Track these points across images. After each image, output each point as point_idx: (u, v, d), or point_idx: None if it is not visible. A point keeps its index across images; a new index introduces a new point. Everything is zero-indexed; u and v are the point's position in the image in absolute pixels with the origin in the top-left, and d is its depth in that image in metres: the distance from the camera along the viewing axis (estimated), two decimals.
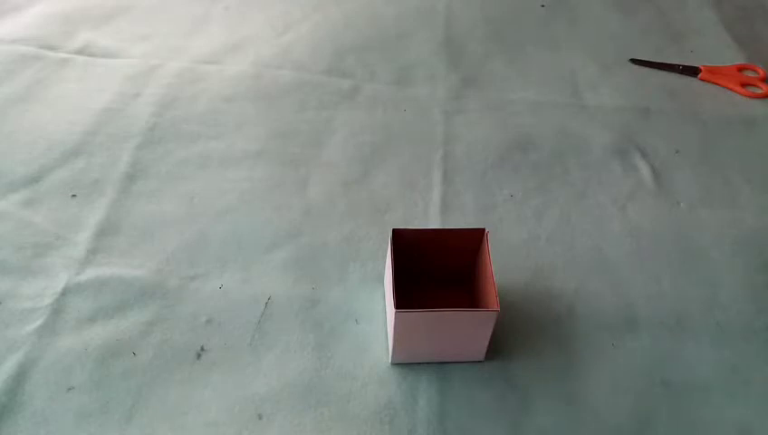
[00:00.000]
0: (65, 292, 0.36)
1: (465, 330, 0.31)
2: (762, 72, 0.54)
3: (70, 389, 0.32)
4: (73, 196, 0.41)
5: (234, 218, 0.40)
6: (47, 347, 0.33)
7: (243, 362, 0.33)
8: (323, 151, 0.45)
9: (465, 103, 0.50)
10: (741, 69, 0.54)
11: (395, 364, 0.33)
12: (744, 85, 0.53)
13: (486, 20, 0.59)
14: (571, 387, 0.33)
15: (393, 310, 0.30)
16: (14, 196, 0.41)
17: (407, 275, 0.33)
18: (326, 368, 0.33)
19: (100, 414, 0.31)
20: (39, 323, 0.34)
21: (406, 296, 0.31)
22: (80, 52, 0.52)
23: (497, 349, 0.34)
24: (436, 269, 0.35)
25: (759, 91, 0.52)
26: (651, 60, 0.55)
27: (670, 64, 0.55)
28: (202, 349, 0.34)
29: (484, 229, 0.33)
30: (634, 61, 0.55)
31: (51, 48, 0.52)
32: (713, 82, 0.53)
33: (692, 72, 0.54)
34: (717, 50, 0.56)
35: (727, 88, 0.53)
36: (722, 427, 0.32)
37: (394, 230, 0.33)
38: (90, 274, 0.37)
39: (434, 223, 0.41)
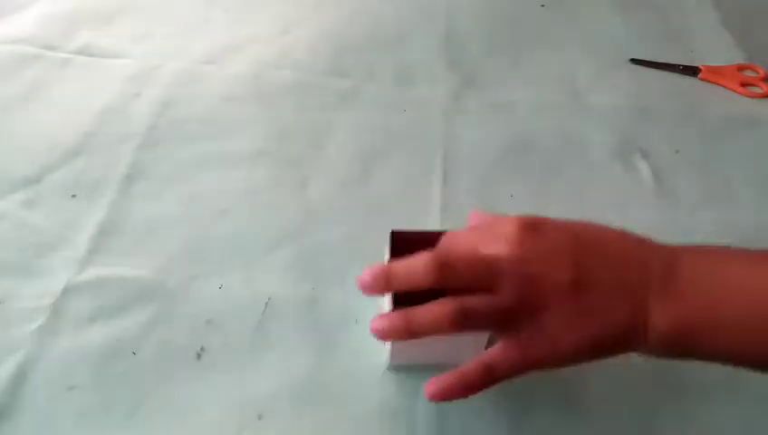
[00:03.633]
0: (66, 292, 0.36)
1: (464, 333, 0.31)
2: (762, 72, 0.54)
3: (70, 388, 0.32)
4: (74, 196, 0.41)
5: (234, 219, 0.40)
6: (47, 347, 0.33)
7: (243, 362, 0.33)
8: (323, 152, 0.45)
9: (465, 104, 0.50)
10: (741, 69, 0.54)
11: (394, 366, 0.33)
12: (744, 85, 0.53)
13: (486, 20, 0.59)
14: (571, 387, 0.33)
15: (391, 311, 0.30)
16: (14, 196, 0.41)
17: None
18: (326, 368, 0.33)
19: (100, 414, 0.31)
20: (39, 322, 0.34)
21: (404, 300, 0.31)
22: (80, 52, 0.52)
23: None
24: None
25: (759, 91, 0.52)
26: (651, 60, 0.55)
27: (670, 64, 0.55)
28: (202, 349, 0.34)
29: None
30: (634, 61, 0.55)
31: (51, 48, 0.52)
32: (713, 82, 0.53)
33: (692, 72, 0.54)
34: (717, 50, 0.56)
35: (727, 88, 0.53)
36: (722, 427, 0.32)
37: (393, 232, 0.33)
38: (90, 274, 0.37)
39: (434, 223, 0.41)
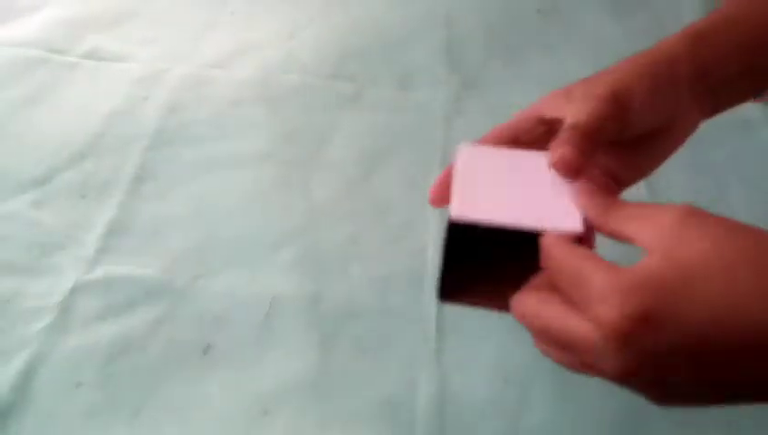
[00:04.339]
0: (74, 290, 0.36)
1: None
2: None
3: (78, 386, 0.32)
4: (82, 197, 0.42)
5: (239, 219, 0.41)
6: (56, 345, 0.34)
7: (248, 359, 0.34)
8: (327, 154, 0.46)
9: (465, 107, 0.51)
10: None
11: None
12: None
13: (486, 26, 0.59)
14: (570, 385, 0.33)
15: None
16: (23, 197, 0.41)
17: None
18: (329, 365, 0.34)
19: (107, 410, 0.32)
20: (48, 320, 0.35)
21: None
22: (88, 56, 0.53)
23: (496, 349, 0.34)
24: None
25: None
26: None
27: None
28: (208, 346, 0.34)
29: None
30: None
31: (59, 52, 0.53)
32: None
33: None
34: None
35: None
36: (713, 425, 0.33)
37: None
38: (98, 273, 0.37)
39: (434, 223, 0.41)
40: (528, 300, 0.21)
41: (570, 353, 0.20)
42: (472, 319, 0.36)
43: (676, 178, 0.46)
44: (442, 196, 0.25)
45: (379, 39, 0.57)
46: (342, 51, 0.55)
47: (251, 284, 0.37)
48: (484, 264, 0.23)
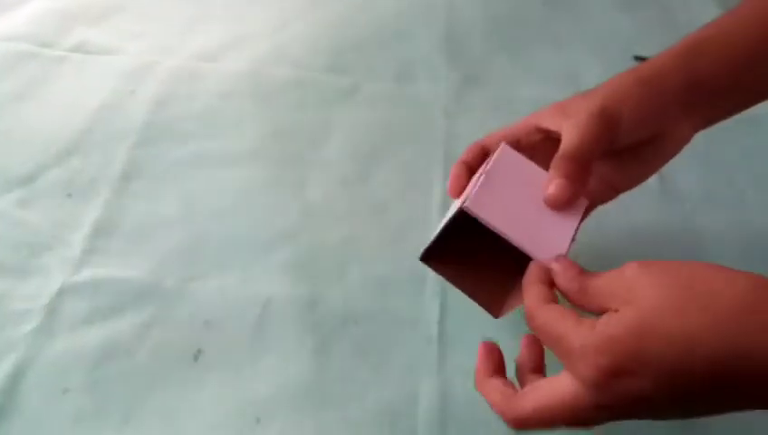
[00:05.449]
0: (61, 293, 0.35)
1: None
2: None
3: (65, 391, 0.31)
4: (69, 195, 0.41)
5: (231, 218, 0.40)
6: (42, 348, 0.33)
7: (241, 364, 0.33)
8: (322, 150, 0.45)
9: (466, 101, 0.49)
10: None
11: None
12: None
13: (487, 17, 0.58)
14: None
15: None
16: (8, 195, 0.40)
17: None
18: (325, 370, 0.33)
19: (95, 416, 0.31)
20: (34, 324, 0.34)
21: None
22: (76, 49, 0.51)
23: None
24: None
25: None
26: None
27: None
28: (199, 351, 0.33)
29: None
30: (638, 58, 0.55)
31: (46, 46, 0.51)
32: None
33: None
34: None
35: None
36: (714, 424, 0.31)
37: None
38: (86, 274, 0.36)
39: (435, 222, 0.40)
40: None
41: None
42: (474, 323, 0.35)
43: (688, 176, 0.45)
44: (459, 187, 0.28)
45: (375, 30, 0.55)
46: (337, 43, 0.54)
47: (243, 286, 0.36)
48: (477, 252, 0.27)
